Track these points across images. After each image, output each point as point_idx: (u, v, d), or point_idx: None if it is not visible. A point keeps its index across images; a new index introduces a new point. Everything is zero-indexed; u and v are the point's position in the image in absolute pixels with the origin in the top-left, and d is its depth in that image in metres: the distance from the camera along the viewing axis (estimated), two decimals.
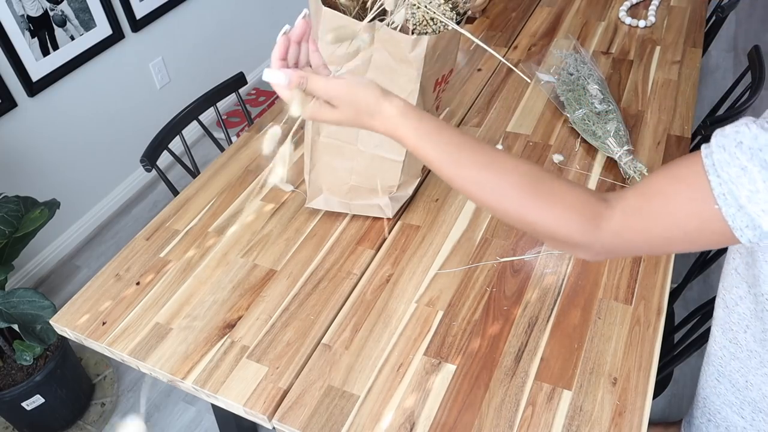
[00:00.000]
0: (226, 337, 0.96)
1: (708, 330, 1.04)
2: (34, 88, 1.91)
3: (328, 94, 0.62)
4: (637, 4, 1.78)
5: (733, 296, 0.72)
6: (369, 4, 0.95)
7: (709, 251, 1.25)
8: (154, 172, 1.37)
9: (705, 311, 1.16)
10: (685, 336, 1.13)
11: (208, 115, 1.57)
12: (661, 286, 0.98)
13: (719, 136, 0.52)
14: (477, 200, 0.63)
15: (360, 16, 0.94)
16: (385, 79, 0.95)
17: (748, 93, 1.39)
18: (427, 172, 1.24)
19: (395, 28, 0.93)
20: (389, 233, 1.09)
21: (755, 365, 0.73)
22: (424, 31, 0.99)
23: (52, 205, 1.53)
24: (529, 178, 0.61)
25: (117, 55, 2.20)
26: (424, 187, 1.21)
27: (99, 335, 0.98)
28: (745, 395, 0.77)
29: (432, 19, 0.96)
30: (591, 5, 1.81)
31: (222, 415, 1.50)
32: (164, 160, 1.41)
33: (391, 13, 0.90)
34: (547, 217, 0.60)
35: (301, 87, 0.61)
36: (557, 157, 1.25)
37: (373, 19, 0.93)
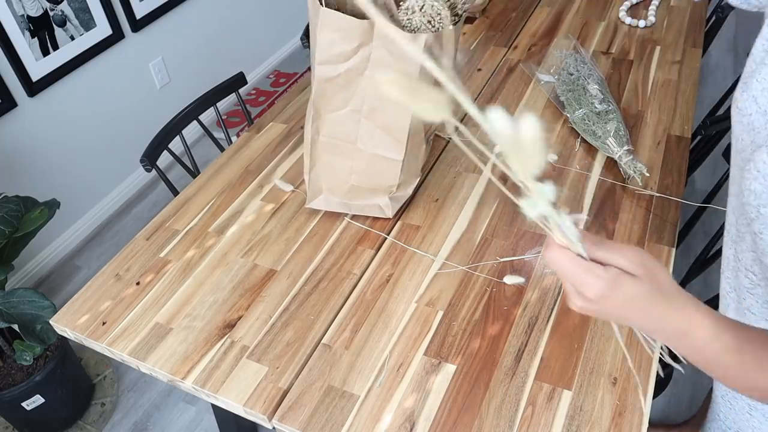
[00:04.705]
0: (226, 337, 0.96)
1: None
2: (34, 88, 1.91)
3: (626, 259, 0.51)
4: (637, 4, 1.78)
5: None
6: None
7: (709, 251, 1.25)
8: (154, 172, 1.37)
9: None
10: None
11: (208, 115, 1.57)
12: None
13: None
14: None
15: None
16: None
17: None
18: (426, 172, 1.24)
19: (413, 30, 0.93)
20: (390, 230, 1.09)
21: None
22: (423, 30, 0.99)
23: (52, 205, 1.53)
24: None
25: (117, 55, 2.20)
26: (424, 187, 1.21)
27: (99, 335, 0.98)
28: None
29: (429, 21, 0.96)
30: (591, 5, 1.81)
31: (222, 415, 1.50)
32: (164, 160, 1.40)
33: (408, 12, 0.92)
34: None
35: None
36: (551, 157, 1.25)
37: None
